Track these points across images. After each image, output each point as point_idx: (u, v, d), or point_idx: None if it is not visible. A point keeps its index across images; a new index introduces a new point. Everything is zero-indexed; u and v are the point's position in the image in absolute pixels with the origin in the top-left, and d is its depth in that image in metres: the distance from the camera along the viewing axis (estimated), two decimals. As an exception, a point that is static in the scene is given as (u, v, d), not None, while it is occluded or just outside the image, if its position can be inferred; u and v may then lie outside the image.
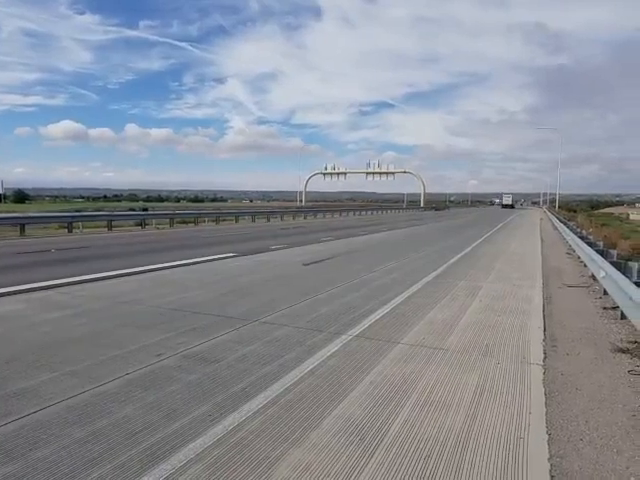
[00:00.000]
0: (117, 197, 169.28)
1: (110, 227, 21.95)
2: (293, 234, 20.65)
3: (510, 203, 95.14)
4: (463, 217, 45.67)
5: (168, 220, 25.94)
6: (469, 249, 14.55)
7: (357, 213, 50.60)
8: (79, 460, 2.71)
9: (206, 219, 29.09)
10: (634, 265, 7.25)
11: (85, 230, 21.18)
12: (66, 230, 20.06)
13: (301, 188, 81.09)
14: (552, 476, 2.65)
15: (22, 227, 18.50)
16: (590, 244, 10.97)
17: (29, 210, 41.75)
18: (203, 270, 9.77)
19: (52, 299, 6.82)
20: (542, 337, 5.28)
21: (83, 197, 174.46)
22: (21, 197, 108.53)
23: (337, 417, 3.27)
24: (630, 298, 5.19)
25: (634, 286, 5.38)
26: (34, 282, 7.85)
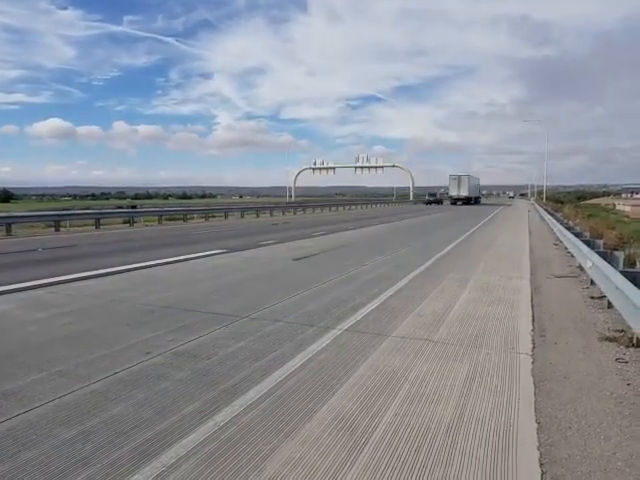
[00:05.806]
0: (105, 195, 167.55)
1: (98, 225, 21.72)
2: (282, 230, 20.62)
3: (512, 195, 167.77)
4: (450, 210, 45.86)
5: (157, 217, 25.73)
6: (458, 241, 14.63)
7: (347, 208, 50.65)
8: (69, 460, 2.68)
9: (195, 216, 28.92)
10: (620, 255, 7.35)
11: (72, 229, 20.93)
12: (53, 229, 19.82)
13: (290, 183, 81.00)
14: (542, 464, 2.69)
15: (8, 226, 18.24)
16: (577, 235, 11.09)
17: (14, 209, 41.14)
18: (192, 267, 9.72)
19: (40, 298, 6.74)
20: (531, 327, 5.33)
21: (71, 196, 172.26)
22: (6, 196, 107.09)
23: (328, 411, 3.28)
24: (616, 287, 5.25)
25: (620, 275, 5.45)
26: (21, 282, 7.76)
